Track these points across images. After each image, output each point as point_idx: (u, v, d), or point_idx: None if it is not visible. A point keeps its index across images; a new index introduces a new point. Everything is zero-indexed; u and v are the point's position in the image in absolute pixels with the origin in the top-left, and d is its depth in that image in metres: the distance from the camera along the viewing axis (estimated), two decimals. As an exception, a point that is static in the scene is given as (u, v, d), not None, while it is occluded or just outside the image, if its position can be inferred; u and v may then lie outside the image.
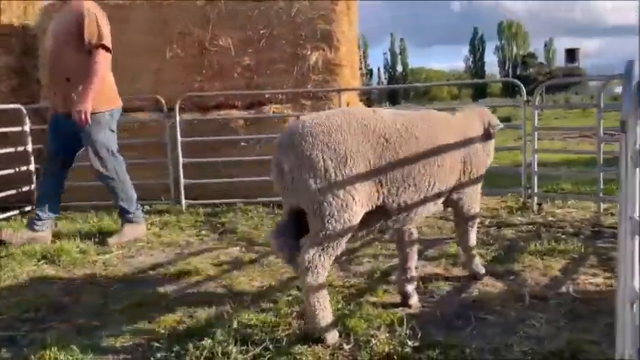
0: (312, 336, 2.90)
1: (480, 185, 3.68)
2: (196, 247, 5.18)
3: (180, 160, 6.69)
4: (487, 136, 3.64)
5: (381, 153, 2.85)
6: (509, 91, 52.85)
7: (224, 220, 6.06)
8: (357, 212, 2.78)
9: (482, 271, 3.94)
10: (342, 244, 2.81)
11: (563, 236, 4.97)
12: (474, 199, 3.65)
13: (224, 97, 7.18)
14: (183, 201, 6.70)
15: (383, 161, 2.85)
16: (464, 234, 3.82)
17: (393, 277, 3.96)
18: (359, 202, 2.78)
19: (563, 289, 3.70)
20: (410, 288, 3.44)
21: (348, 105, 7.04)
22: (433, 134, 3.14)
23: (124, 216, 5.43)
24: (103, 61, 5.00)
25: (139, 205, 5.55)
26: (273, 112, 6.93)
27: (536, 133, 6.29)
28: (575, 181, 7.39)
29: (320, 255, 2.74)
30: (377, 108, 3.25)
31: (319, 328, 2.84)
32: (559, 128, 15.81)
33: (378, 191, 2.87)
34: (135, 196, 5.47)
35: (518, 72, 79.98)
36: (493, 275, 3.99)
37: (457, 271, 4.15)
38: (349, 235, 2.82)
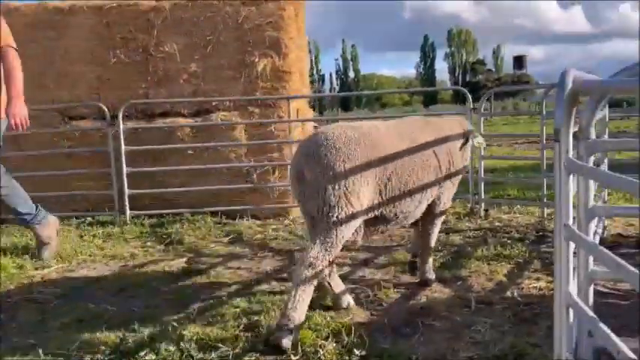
0: (272, 342, 2.91)
1: (458, 180, 3.99)
2: (141, 259, 5.10)
3: (125, 169, 6.57)
4: (465, 140, 4.01)
5: (385, 165, 3.24)
6: (460, 97, 54.14)
7: (170, 231, 5.98)
8: (360, 219, 3.18)
9: (433, 276, 4.05)
10: (341, 246, 3.12)
11: (508, 241, 5.14)
12: (451, 194, 3.97)
13: (170, 105, 7.08)
14: (128, 212, 6.57)
15: (386, 173, 3.25)
16: (429, 230, 3.97)
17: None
18: (364, 210, 3.18)
19: (508, 293, 3.82)
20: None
21: (297, 113, 7.07)
22: (426, 141, 3.57)
23: (31, 221, 5.09)
24: (18, 62, 4.75)
25: (37, 204, 5.28)
26: (221, 119, 6.89)
27: (482, 139, 6.47)
28: (520, 186, 7.63)
29: (324, 254, 3.03)
30: (375, 122, 3.62)
31: (291, 326, 2.92)
32: (505, 135, 16.30)
33: (379, 202, 3.27)
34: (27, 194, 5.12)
35: (467, 78, 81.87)
36: (441, 281, 4.08)
37: (406, 278, 4.22)
38: (347, 237, 3.17)
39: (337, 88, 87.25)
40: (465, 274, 4.28)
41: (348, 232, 3.11)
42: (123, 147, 6.54)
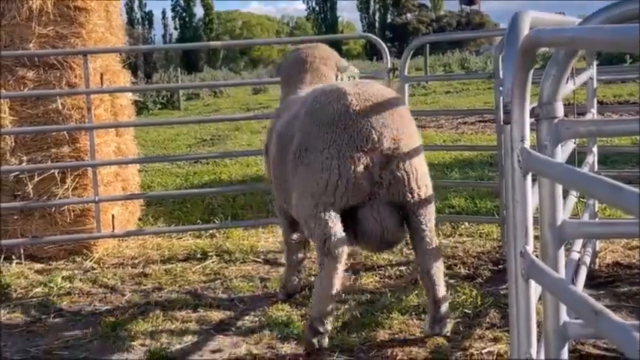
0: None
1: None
2: None
3: None
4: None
5: None
6: (377, 50, 55.49)
7: None
8: None
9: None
10: None
11: (451, 281, 5.34)
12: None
13: None
14: None
15: None
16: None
17: None
18: None
19: (449, 364, 3.99)
20: None
21: (102, 78, 6.96)
22: None
23: None
24: None
25: None
26: (-32, 90, 6.66)
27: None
28: (470, 193, 7.94)
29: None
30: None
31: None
32: (446, 111, 16.70)
33: None
34: None
35: (389, 19, 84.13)
36: (344, 351, 4.18)
37: (288, 349, 4.31)
38: None
39: (175, 34, 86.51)
40: (382, 337, 4.40)
41: None
42: None
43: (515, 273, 2.15)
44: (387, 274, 5.65)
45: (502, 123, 2.13)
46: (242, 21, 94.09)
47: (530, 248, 2.13)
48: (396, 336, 4.44)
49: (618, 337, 1.64)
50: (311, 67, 5.29)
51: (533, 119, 2.20)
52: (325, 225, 4.23)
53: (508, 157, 2.14)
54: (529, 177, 2.15)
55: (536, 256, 2.13)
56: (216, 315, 5.03)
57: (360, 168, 4.16)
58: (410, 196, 4.26)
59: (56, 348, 4.64)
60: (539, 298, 2.29)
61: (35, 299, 5.56)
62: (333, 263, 4.20)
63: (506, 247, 6.07)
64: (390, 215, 4.29)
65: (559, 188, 2.18)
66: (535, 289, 2.20)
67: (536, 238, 2.21)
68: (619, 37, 1.63)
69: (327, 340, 4.23)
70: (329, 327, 4.28)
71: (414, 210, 4.31)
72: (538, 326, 2.21)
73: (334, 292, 4.22)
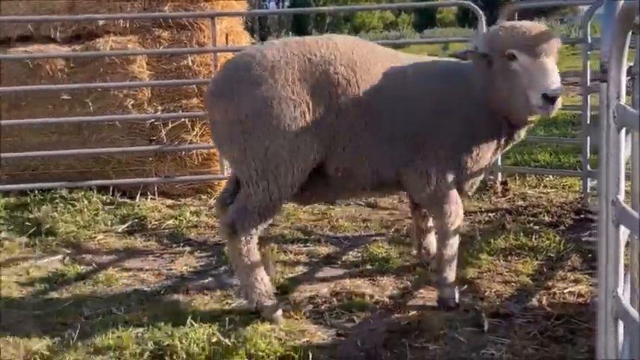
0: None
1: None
2: (-7, 257, 5.06)
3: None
4: None
5: None
6: (469, 17, 54.25)
7: (37, 216, 5.92)
8: None
9: (455, 298, 3.95)
10: None
11: (536, 227, 5.27)
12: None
13: (33, 25, 6.96)
14: (-28, 187, 6.46)
15: None
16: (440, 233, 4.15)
17: (297, 294, 4.09)
18: None
19: (534, 302, 3.94)
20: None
21: (227, 38, 7.02)
22: None
23: None
24: None
25: None
26: (111, 48, 6.79)
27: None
28: (554, 149, 7.77)
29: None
30: None
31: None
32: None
33: None
34: None
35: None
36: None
37: (387, 282, 4.31)
38: None
39: (287, 1, 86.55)
40: (472, 274, 4.39)
41: None
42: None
43: (606, 219, 2.10)
44: (476, 219, 5.60)
45: (600, 82, 2.06)
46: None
47: (621, 197, 2.08)
48: (484, 274, 4.41)
49: None
50: None
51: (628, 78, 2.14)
52: None
53: (604, 113, 2.08)
54: (622, 132, 2.09)
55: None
56: (324, 249, 5.07)
57: None
58: None
59: (186, 273, 4.74)
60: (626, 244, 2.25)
61: (167, 230, 5.71)
62: None
63: (587, 198, 5.97)
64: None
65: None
66: (623, 234, 2.16)
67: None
68: None
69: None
70: None
71: None
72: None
73: None
